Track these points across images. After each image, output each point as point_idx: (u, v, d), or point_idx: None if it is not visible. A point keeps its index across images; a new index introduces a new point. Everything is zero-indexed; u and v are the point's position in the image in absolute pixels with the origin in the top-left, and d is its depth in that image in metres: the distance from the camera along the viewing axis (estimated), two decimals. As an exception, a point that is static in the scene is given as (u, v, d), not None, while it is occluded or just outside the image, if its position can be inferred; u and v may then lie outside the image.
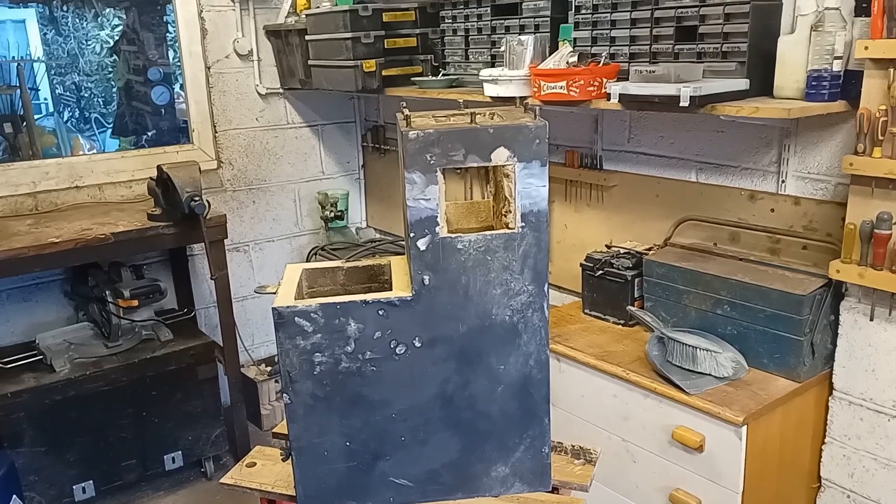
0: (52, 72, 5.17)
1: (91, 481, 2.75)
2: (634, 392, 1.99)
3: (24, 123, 3.41)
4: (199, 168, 2.70)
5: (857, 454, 1.94)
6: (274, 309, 1.23)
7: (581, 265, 2.39)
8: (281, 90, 3.43)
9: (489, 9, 2.56)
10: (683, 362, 1.97)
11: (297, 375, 1.28)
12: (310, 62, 3.07)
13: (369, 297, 1.25)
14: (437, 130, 1.17)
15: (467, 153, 1.18)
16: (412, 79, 2.81)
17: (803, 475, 2.02)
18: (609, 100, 2.03)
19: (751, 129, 2.13)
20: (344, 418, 1.31)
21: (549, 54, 2.33)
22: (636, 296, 2.28)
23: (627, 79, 2.13)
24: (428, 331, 1.27)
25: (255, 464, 1.52)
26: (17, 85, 3.50)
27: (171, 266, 3.26)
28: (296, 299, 1.28)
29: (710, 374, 1.92)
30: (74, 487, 2.72)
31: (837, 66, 1.78)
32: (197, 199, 2.58)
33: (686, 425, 1.86)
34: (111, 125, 5.04)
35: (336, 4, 2.91)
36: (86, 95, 5.36)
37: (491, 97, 2.42)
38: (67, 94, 5.31)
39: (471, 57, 2.71)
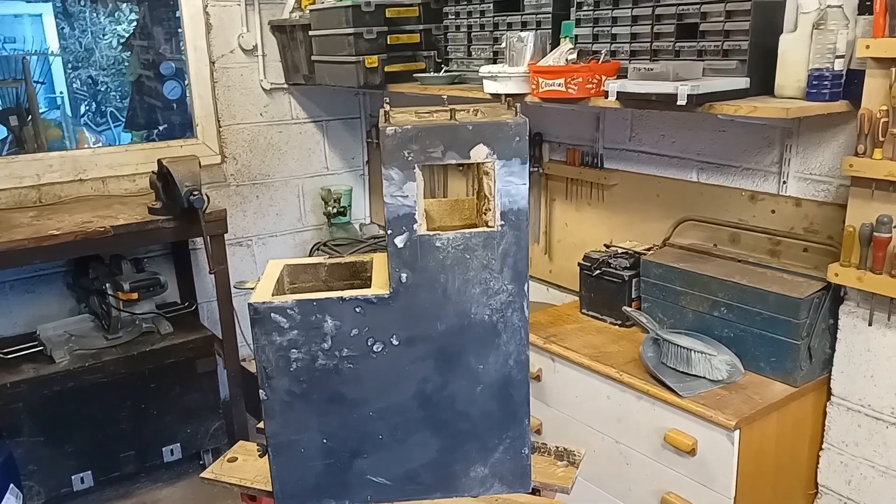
0: (69, 66, 5.21)
1: (90, 472, 2.76)
2: (628, 394, 1.97)
3: (29, 116, 3.43)
4: (200, 162, 2.70)
5: (855, 461, 1.90)
6: (250, 304, 1.22)
7: (579, 265, 2.36)
8: (285, 85, 3.43)
9: (492, 5, 2.54)
10: (678, 364, 1.94)
11: (273, 372, 1.27)
12: (313, 58, 3.06)
13: (346, 293, 1.24)
14: (416, 126, 1.15)
15: (446, 150, 1.17)
16: (414, 75, 2.79)
17: (800, 481, 1.98)
18: (607, 97, 2.00)
19: (752, 129, 2.09)
20: (321, 416, 1.30)
21: (551, 51, 2.30)
22: (633, 296, 2.25)
23: (627, 76, 2.11)
24: (406, 329, 1.26)
25: (236, 458, 1.51)
26: (23, 78, 3.52)
27: (174, 259, 3.27)
28: (274, 295, 1.27)
29: (704, 377, 1.89)
30: (73, 478, 2.74)
31: (839, 66, 1.74)
32: (196, 193, 2.58)
33: (679, 428, 1.83)
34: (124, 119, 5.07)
35: (339, 0, 2.90)
36: (102, 90, 5.40)
37: (490, 94, 2.39)
38: (84, 88, 5.35)
39: (473, 53, 2.69)
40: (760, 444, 1.79)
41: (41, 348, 2.76)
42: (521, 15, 2.44)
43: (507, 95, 2.35)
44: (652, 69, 1.93)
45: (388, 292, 1.23)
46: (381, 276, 1.30)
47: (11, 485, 2.49)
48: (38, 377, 2.63)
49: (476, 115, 1.25)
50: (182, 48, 3.29)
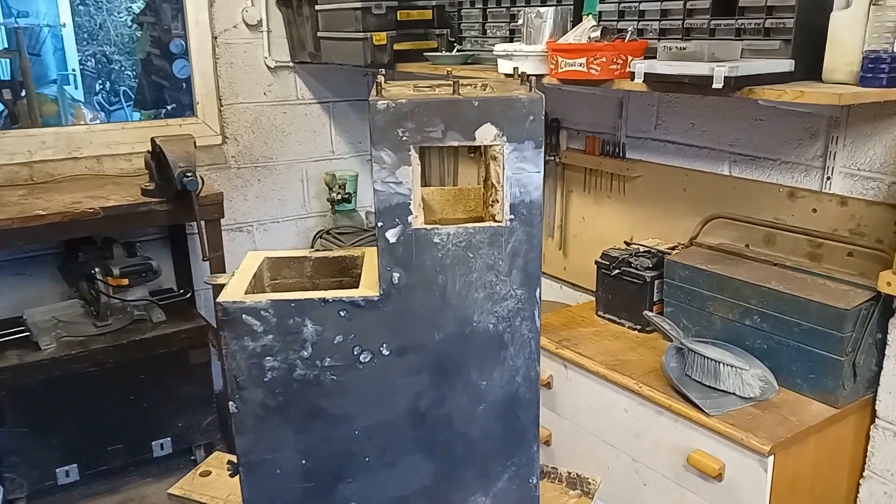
0: (83, 42, 5.07)
1: (75, 465, 2.63)
2: (648, 408, 1.79)
3: (24, 90, 3.28)
4: (195, 142, 2.54)
5: (899, 490, 1.72)
6: (218, 304, 1.05)
7: (596, 263, 2.18)
8: (291, 63, 3.25)
9: (509, -22, 2.35)
10: (704, 378, 1.75)
11: (244, 381, 1.10)
12: (319, 34, 2.89)
13: (329, 294, 1.07)
14: (411, 101, 0.97)
15: (447, 129, 0.99)
16: (425, 54, 2.61)
17: (835, 510, 1.80)
18: (633, 80, 1.81)
19: (794, 118, 1.89)
20: (300, 433, 1.13)
21: (571, 29, 2.11)
22: (655, 299, 2.06)
23: (655, 57, 1.92)
24: (398, 337, 1.09)
25: (209, 472, 1.35)
26: (16, 50, 3.37)
27: (170, 244, 3.12)
28: (248, 293, 1.10)
29: (733, 394, 1.71)
30: (58, 471, 2.60)
31: (900, 47, 1.54)
32: (190, 174, 2.42)
33: (704, 450, 1.65)
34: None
35: (348, -29, 2.71)
36: (115, 68, 5.27)
37: (505, 74, 2.21)
38: (98, 65, 5.22)
39: (488, 31, 2.50)
40: (796, 471, 1.61)
41: (27, 334, 2.62)
42: (542, -11, 2.25)
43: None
44: (685, 48, 1.74)
45: (378, 294, 1.06)
46: (371, 274, 1.13)
47: (-10, 477, 2.36)
48: (23, 364, 2.49)
49: (485, 90, 1.07)
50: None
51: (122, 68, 5.30)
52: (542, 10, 2.10)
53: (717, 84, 1.62)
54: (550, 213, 2.62)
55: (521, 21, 2.19)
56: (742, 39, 1.77)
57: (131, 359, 2.63)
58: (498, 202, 1.03)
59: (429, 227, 1.03)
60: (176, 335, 2.72)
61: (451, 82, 1.04)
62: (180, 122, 3.12)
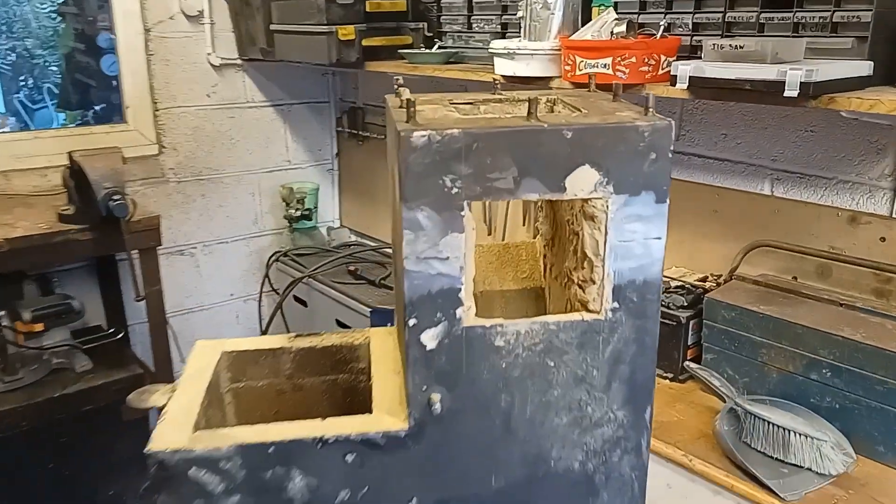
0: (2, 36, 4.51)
1: (-12, 546, 2.17)
2: (699, 484, 1.46)
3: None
4: (123, 157, 2.10)
5: None
6: (150, 456, 0.66)
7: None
8: (239, 61, 2.82)
9: (502, -38, 1.99)
10: (768, 448, 1.43)
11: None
12: (272, 27, 2.47)
13: (329, 430, 0.69)
14: (467, 132, 0.60)
15: (522, 175, 0.62)
16: (400, 51, 2.23)
17: None
18: (674, 84, 1.47)
19: (854, 129, 1.59)
20: None
21: (581, 23, 1.77)
22: (689, 343, 1.74)
23: (695, 56, 1.59)
24: (436, 489, 0.71)
25: None
26: None
27: (97, 274, 2.66)
28: (200, 425, 0.71)
29: (808, 469, 1.39)
30: (-37, 555, 2.14)
31: None
32: (117, 197, 1.99)
33: (778, 544, 1.33)
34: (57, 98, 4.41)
35: (306, -47, 2.31)
36: (39, 63, 4.73)
37: (503, 77, 1.85)
38: (20, 60, 4.66)
39: (474, 26, 2.15)
40: (900, 572, 1.30)
41: (-82, 393, 2.14)
42: (544, -25, 1.89)
43: (526, 79, 1.81)
44: (742, 46, 1.41)
45: (407, 427, 0.69)
46: (388, 388, 0.75)
47: None
48: (-89, 433, 2.02)
49: (560, 109, 0.70)
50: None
51: (47, 64, 4.77)
52: (549, 0, 1.75)
53: (791, 91, 1.29)
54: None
55: (520, 13, 1.83)
56: (802, 36, 1.46)
57: (51, 419, 2.18)
58: (594, 283, 0.67)
59: (487, 323, 0.66)
60: (105, 387, 2.27)
61: (512, 98, 0.68)
62: (108, 129, 2.67)
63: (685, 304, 1.73)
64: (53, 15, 4.51)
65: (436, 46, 2.21)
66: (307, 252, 2.86)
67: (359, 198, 3.12)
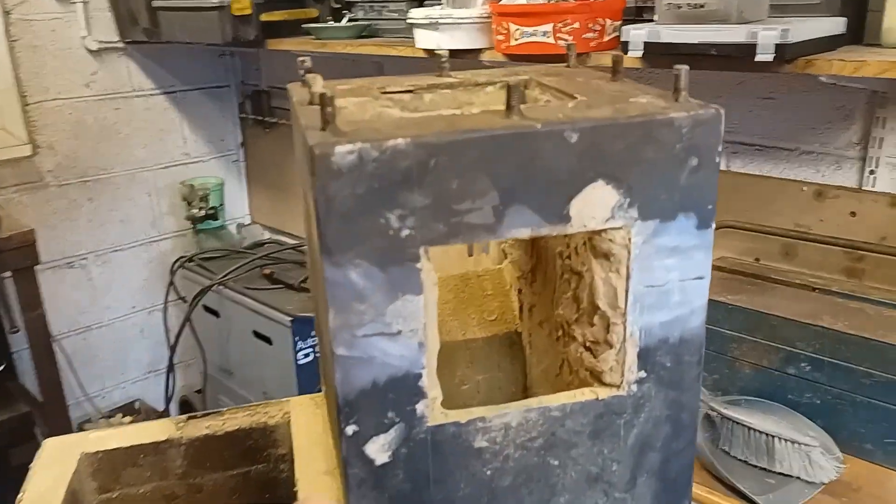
0: None
1: None
2: (677, 503, 1.31)
3: None
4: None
5: None
6: None
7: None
8: (120, 44, 2.48)
9: (416, -80, 1.76)
10: (750, 455, 1.29)
11: None
12: (154, 3, 2.15)
13: None
14: (419, 142, 0.37)
15: (505, 201, 0.40)
16: (304, 26, 1.96)
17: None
18: (626, 52, 1.28)
19: (817, 94, 1.45)
20: None
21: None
22: (650, 338, 1.58)
23: (643, 20, 1.41)
24: None
25: None
26: None
27: (-32, 298, 2.29)
28: None
29: (797, 477, 1.26)
30: None
31: None
32: (-26, 213, 1.65)
33: (772, 566, 1.19)
34: None
35: (187, -85, 2.00)
36: None
37: (425, 50, 1.63)
38: None
39: (388, -6, 1.90)
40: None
41: None
42: (466, -68, 1.66)
43: (453, 52, 1.59)
44: (702, 5, 1.23)
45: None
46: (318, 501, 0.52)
47: None
48: None
49: (543, 94, 0.49)
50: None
51: None
52: (475, -41, 1.52)
53: (765, 55, 1.12)
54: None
55: (442, -25, 1.60)
56: (763, -9, 1.30)
57: (-83, 477, 1.85)
58: (610, 347, 0.46)
59: (462, 418, 0.45)
60: (-15, 432, 1.95)
61: (470, 82, 0.46)
62: (-35, 130, 2.28)
63: (644, 296, 1.57)
64: None
65: (345, 19, 1.96)
66: (215, 255, 2.56)
67: (270, 190, 2.83)
